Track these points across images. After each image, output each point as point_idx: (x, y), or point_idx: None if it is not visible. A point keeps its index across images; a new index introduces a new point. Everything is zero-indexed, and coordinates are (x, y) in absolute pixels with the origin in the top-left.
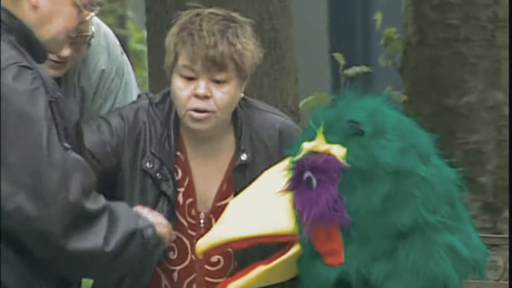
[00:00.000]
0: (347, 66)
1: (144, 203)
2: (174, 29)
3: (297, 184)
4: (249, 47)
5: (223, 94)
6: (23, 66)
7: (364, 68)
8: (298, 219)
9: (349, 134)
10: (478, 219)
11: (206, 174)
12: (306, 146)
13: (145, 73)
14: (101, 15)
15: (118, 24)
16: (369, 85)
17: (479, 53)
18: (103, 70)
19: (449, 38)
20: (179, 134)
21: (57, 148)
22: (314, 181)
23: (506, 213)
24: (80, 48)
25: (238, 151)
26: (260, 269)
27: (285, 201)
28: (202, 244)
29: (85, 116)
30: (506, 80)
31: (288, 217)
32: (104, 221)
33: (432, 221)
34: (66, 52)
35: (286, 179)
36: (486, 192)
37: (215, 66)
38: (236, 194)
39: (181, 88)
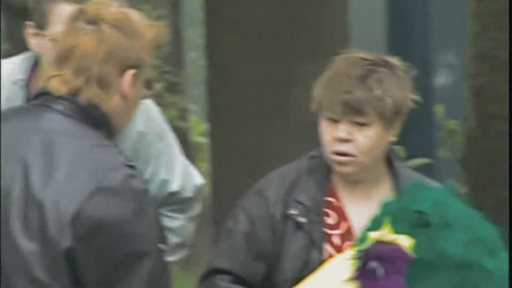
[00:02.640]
0: (408, 158)
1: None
2: (324, 74)
3: (362, 274)
4: (392, 93)
5: (364, 138)
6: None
7: (425, 160)
8: None
9: (415, 224)
10: None
11: (364, 218)
12: (373, 235)
13: (206, 166)
14: (163, 107)
15: (180, 117)
16: (430, 178)
17: None
18: (140, 132)
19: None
20: (330, 180)
21: None
22: (380, 271)
23: None
24: None
25: None
26: None
27: None
28: None
29: None
30: None
31: None
32: None
33: None
34: None
35: (352, 268)
36: None
37: (352, 111)
38: None
39: (325, 131)
